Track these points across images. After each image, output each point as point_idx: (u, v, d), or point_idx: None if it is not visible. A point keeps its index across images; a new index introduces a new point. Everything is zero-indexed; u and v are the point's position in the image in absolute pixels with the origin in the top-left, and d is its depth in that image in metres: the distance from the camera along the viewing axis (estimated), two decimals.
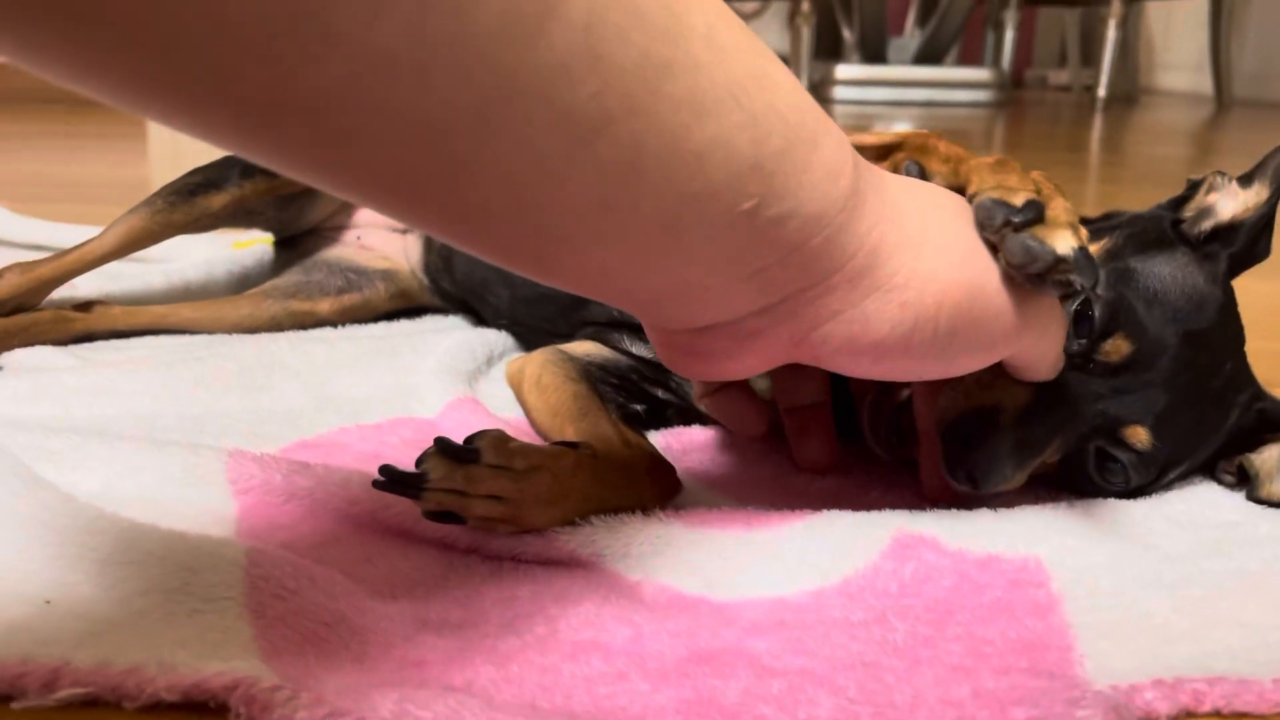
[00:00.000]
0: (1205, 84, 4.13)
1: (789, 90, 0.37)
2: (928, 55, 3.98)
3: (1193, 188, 0.60)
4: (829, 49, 4.33)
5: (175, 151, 2.28)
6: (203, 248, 1.00)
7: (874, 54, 3.95)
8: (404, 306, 0.91)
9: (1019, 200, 0.43)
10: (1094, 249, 0.56)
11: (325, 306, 0.87)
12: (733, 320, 0.41)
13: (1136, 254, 0.55)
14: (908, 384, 0.54)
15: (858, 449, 0.60)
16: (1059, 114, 3.88)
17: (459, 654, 0.41)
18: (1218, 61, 3.97)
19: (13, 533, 0.44)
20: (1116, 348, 0.52)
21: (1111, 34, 3.61)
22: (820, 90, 3.84)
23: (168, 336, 0.83)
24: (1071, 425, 0.52)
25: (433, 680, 0.39)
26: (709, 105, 0.33)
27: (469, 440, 0.48)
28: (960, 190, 0.47)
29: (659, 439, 0.64)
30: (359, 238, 0.92)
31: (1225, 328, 0.56)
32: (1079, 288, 0.43)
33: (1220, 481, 0.59)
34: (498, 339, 0.80)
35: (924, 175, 0.49)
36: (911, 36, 4.14)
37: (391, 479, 0.46)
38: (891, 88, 3.79)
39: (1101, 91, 3.64)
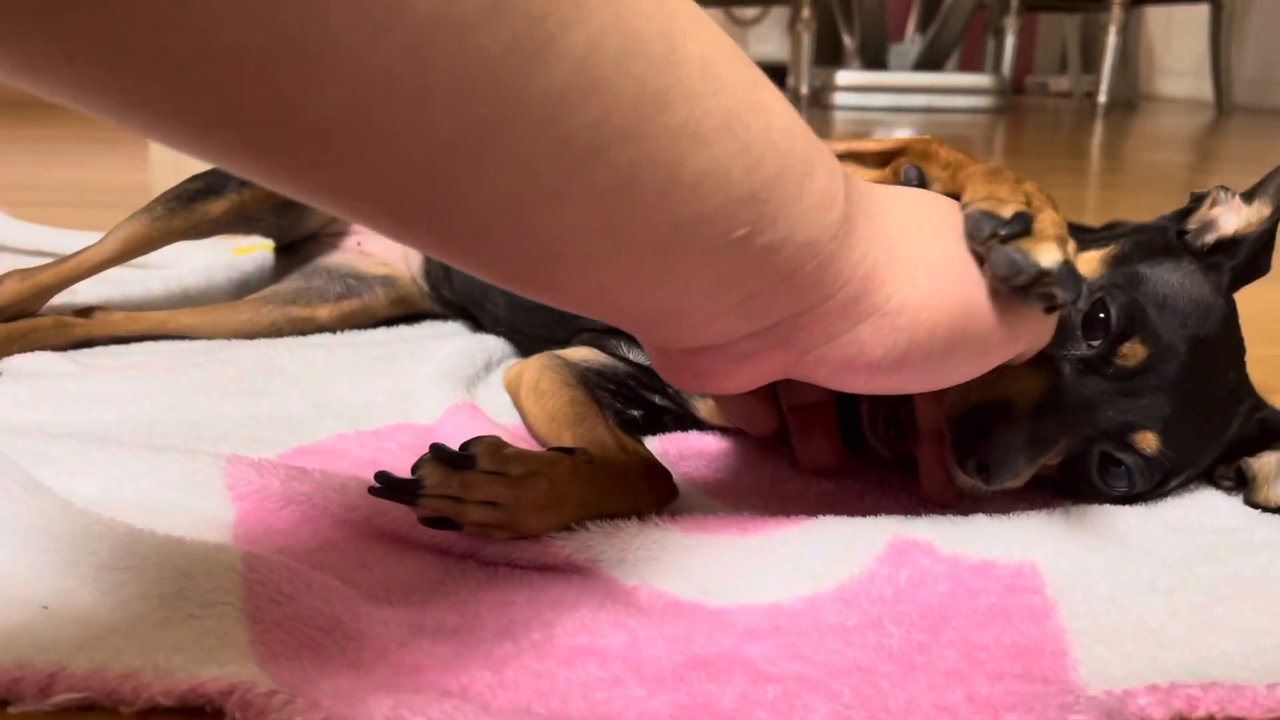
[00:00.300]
0: (1205, 90, 4.14)
1: (783, 119, 0.37)
2: (928, 61, 3.98)
3: (1197, 200, 0.61)
4: (829, 55, 4.34)
5: (176, 157, 2.28)
6: (203, 254, 1.00)
7: (874, 60, 3.95)
8: (403, 313, 0.91)
9: (1007, 212, 0.43)
10: (1101, 254, 0.57)
11: (325, 312, 0.87)
12: (727, 342, 0.41)
13: (1145, 260, 0.56)
14: None
15: (854, 455, 0.60)
16: (1059, 120, 3.89)
17: (455, 659, 0.41)
18: (1218, 67, 3.97)
19: (11, 538, 0.45)
20: (1133, 351, 0.53)
21: (1112, 40, 3.62)
22: (821, 96, 3.84)
23: (167, 342, 0.83)
24: (1081, 426, 0.53)
25: (429, 685, 0.40)
26: (704, 134, 0.34)
27: (465, 446, 0.48)
28: (957, 196, 0.48)
29: (656, 444, 0.64)
30: (359, 244, 0.92)
31: (1229, 338, 0.57)
32: (1062, 301, 0.43)
33: (1218, 486, 0.59)
34: (496, 345, 0.80)
35: (923, 180, 0.49)
36: (912, 43, 4.14)
37: (387, 485, 0.46)
38: (892, 94, 3.79)
39: (1102, 98, 3.64)
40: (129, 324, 0.83)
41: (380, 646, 0.42)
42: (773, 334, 0.40)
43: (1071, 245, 0.44)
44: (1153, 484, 0.55)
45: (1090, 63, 4.50)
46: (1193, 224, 0.60)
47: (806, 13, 3.81)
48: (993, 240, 0.43)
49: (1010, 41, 4.19)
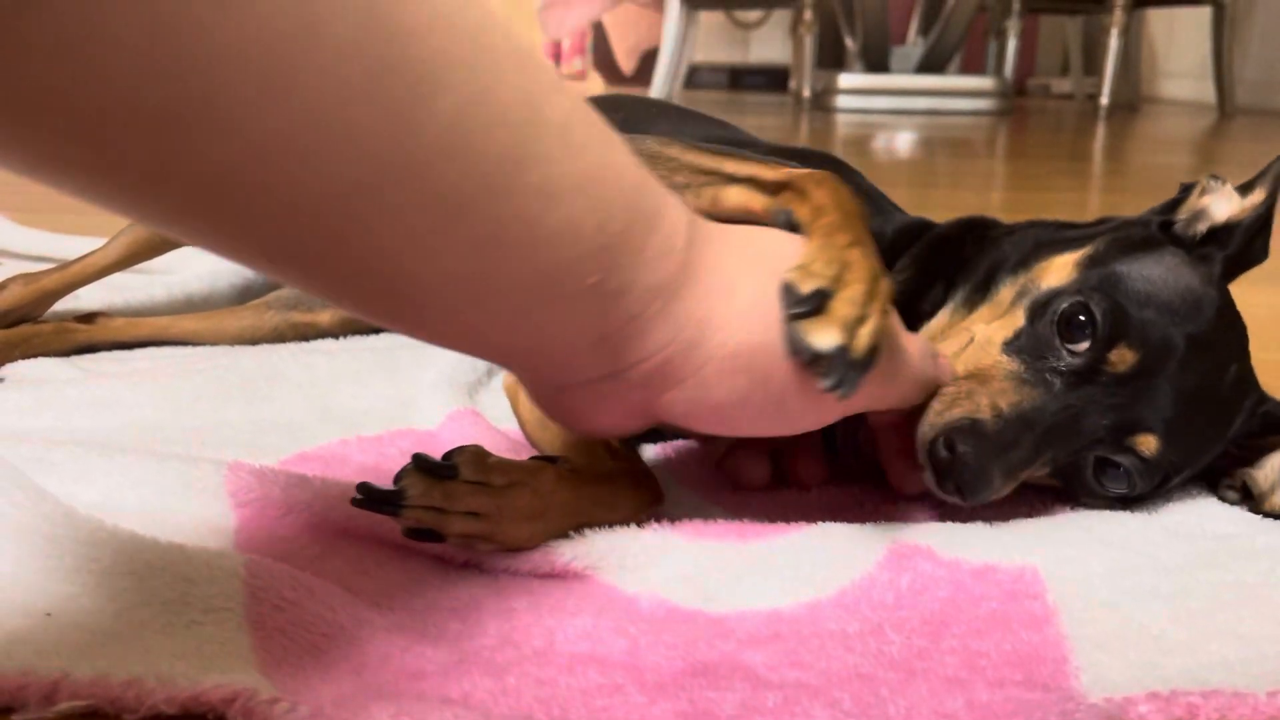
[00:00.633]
0: (1208, 92, 4.13)
1: (632, 177, 0.41)
2: (930, 64, 3.98)
3: (1186, 190, 0.59)
4: (832, 58, 4.34)
5: None
6: (205, 259, 1.00)
7: (876, 63, 3.95)
8: None
9: (808, 286, 0.43)
10: (1075, 257, 0.56)
11: (326, 317, 0.87)
12: (586, 382, 0.44)
13: (1121, 257, 0.55)
14: None
15: (853, 462, 0.60)
16: (1061, 123, 3.89)
17: (457, 666, 0.41)
18: (1220, 70, 3.97)
19: (13, 545, 0.45)
20: (1123, 357, 0.52)
21: (1114, 42, 3.61)
22: (823, 99, 3.84)
23: (170, 348, 0.84)
24: (1069, 437, 0.52)
25: (430, 692, 0.40)
26: (561, 193, 0.37)
27: (448, 456, 0.48)
28: None
29: (655, 450, 0.64)
30: None
31: (1227, 330, 0.55)
32: (831, 387, 0.43)
33: (1223, 498, 0.59)
34: None
35: (791, 222, 0.49)
36: (914, 45, 4.14)
37: (370, 497, 0.46)
38: (894, 97, 3.79)
39: (1104, 100, 3.64)
40: (131, 329, 0.83)
41: (382, 653, 0.42)
42: (627, 377, 0.43)
43: (869, 325, 0.44)
44: (1154, 484, 0.55)
45: (1092, 65, 4.49)
46: (1183, 214, 0.59)
47: (809, 16, 3.81)
48: (786, 313, 0.43)
49: (1012, 44, 4.18)
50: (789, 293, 0.43)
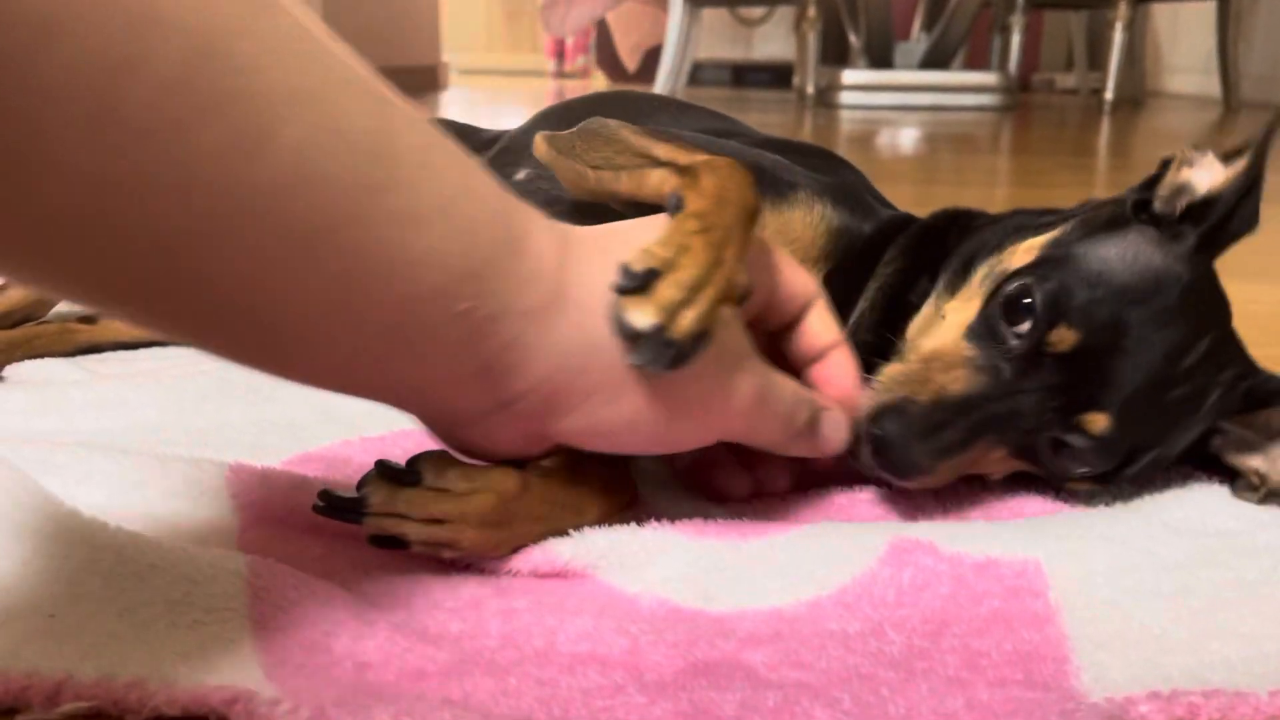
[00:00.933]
0: (1213, 87, 4.12)
1: (495, 202, 0.41)
2: (934, 60, 3.98)
3: (1165, 165, 0.58)
4: (835, 54, 4.34)
5: None
6: None
7: (880, 59, 3.95)
8: None
9: (641, 265, 0.42)
10: (1042, 240, 0.56)
11: None
12: (479, 415, 0.44)
13: (1083, 239, 0.55)
14: None
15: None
16: (1066, 118, 3.88)
17: (458, 667, 0.41)
18: (1225, 64, 3.96)
19: (17, 546, 0.45)
20: (1062, 337, 0.52)
21: (1118, 37, 3.60)
22: (826, 96, 3.84)
23: (173, 348, 0.83)
24: (1011, 422, 0.52)
25: (432, 693, 0.40)
26: (422, 219, 0.37)
27: (411, 462, 0.47)
28: None
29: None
30: None
31: (1196, 304, 0.54)
32: (641, 365, 0.42)
33: (1245, 498, 0.57)
34: None
35: (680, 206, 0.47)
36: (918, 41, 4.14)
37: (331, 504, 0.46)
38: (898, 92, 3.79)
39: (1108, 95, 3.63)
40: (134, 330, 0.84)
41: (384, 654, 0.42)
42: (516, 409, 0.43)
43: (694, 310, 0.42)
44: (1114, 462, 0.54)
45: (1097, 60, 4.48)
46: (1163, 190, 0.57)
47: (812, 12, 3.81)
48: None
49: (1016, 39, 4.17)
50: (622, 270, 0.42)
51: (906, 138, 3.07)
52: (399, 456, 0.62)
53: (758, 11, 5.29)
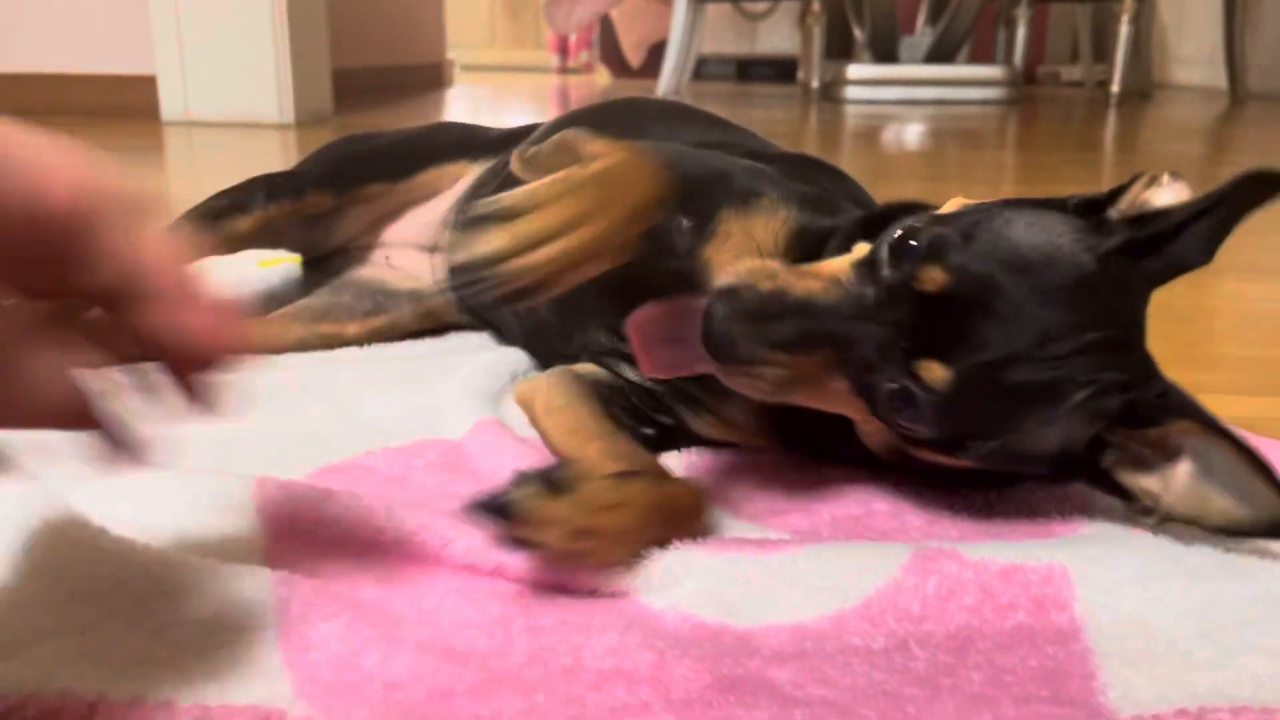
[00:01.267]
0: (1219, 78, 4.10)
1: None
2: (939, 54, 3.97)
3: (1134, 179, 0.55)
4: (840, 49, 4.33)
5: (190, 161, 2.29)
6: (228, 268, 1.01)
7: (885, 53, 3.94)
8: (430, 325, 0.90)
9: (492, 208, 0.52)
10: (963, 200, 0.55)
11: (353, 329, 0.87)
12: None
13: (1004, 209, 0.53)
14: None
15: (875, 472, 0.60)
16: (1072, 111, 3.87)
17: (486, 685, 0.42)
18: (1232, 55, 3.94)
19: (48, 566, 0.45)
20: (932, 276, 0.50)
21: (1124, 29, 3.59)
22: (831, 91, 3.83)
23: None
24: (850, 342, 0.51)
25: (461, 711, 0.40)
26: None
27: (553, 471, 0.48)
28: None
29: (673, 461, 0.64)
30: (387, 258, 0.92)
31: (1091, 297, 0.50)
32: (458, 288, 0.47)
33: (1139, 522, 0.53)
34: (520, 359, 0.80)
35: None
36: (923, 35, 4.12)
37: (486, 507, 0.47)
38: (903, 87, 3.78)
39: (1115, 87, 3.62)
40: None
41: (413, 671, 0.42)
42: None
43: (535, 258, 0.51)
44: (949, 431, 0.51)
45: (1103, 52, 4.47)
46: (1123, 204, 0.54)
47: (816, 6, 3.80)
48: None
49: (1021, 32, 4.16)
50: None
51: (912, 133, 3.06)
52: (422, 467, 0.63)
53: (762, 6, 5.28)
